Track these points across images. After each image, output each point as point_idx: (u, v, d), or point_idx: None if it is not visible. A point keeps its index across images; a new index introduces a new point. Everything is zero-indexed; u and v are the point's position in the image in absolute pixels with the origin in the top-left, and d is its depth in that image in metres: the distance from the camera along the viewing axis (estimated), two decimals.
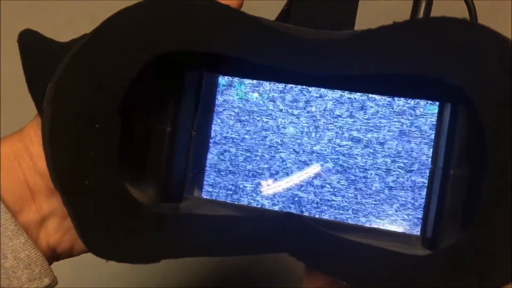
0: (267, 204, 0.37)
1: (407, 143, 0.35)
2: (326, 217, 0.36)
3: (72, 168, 0.33)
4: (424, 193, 0.35)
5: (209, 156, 0.38)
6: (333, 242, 0.33)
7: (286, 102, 0.37)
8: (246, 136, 0.37)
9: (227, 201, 0.38)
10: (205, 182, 0.38)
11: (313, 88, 0.36)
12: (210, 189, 0.38)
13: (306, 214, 0.36)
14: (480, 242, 0.31)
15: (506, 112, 0.30)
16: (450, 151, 0.34)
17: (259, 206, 0.37)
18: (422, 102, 0.35)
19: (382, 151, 0.36)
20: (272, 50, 0.32)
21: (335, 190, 0.36)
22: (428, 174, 0.35)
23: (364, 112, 0.36)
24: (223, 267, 0.69)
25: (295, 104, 0.36)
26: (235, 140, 0.37)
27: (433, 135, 0.35)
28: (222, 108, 0.38)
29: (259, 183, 0.37)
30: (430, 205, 0.35)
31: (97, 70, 0.32)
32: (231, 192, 0.38)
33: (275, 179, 0.37)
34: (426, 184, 0.35)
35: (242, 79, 0.37)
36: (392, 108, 0.35)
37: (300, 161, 0.37)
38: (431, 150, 0.35)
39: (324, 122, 0.36)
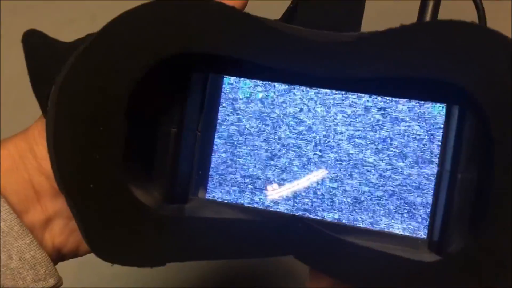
0: (272, 206, 0.37)
1: (413, 145, 0.35)
2: (331, 219, 0.36)
3: (76, 170, 0.32)
4: (430, 196, 0.35)
5: (214, 157, 0.38)
6: (339, 246, 0.33)
7: (292, 103, 0.36)
8: (251, 137, 0.37)
9: (232, 202, 0.37)
10: (209, 183, 0.38)
11: (319, 89, 0.36)
12: (214, 190, 0.38)
13: (311, 216, 0.36)
14: (490, 249, 0.30)
15: None
16: (458, 154, 0.33)
17: (263, 207, 0.37)
18: (429, 105, 0.35)
19: (388, 153, 0.35)
20: (278, 52, 0.32)
21: (341, 192, 0.36)
22: (435, 177, 0.35)
23: (371, 114, 0.35)
24: (224, 268, 0.69)
25: (300, 105, 0.36)
26: (240, 141, 0.37)
27: (441, 137, 0.35)
28: (227, 108, 0.37)
29: (264, 184, 0.37)
30: (437, 208, 0.35)
31: (102, 72, 0.32)
32: (235, 193, 0.37)
33: (280, 181, 0.37)
34: (433, 188, 0.35)
35: (247, 80, 0.37)
36: (399, 110, 0.35)
37: (305, 162, 0.36)
38: (438, 153, 0.35)
39: (329, 124, 0.36)
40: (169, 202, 0.37)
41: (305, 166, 0.36)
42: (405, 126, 0.35)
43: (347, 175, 0.36)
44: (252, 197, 0.37)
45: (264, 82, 0.37)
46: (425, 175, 0.35)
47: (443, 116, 0.35)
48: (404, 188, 0.35)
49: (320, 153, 0.36)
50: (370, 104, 0.35)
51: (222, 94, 0.37)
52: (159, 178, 0.37)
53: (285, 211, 0.37)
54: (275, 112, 0.37)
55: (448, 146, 0.35)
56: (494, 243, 0.30)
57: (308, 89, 0.36)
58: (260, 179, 0.37)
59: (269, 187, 0.37)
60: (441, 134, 0.35)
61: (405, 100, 0.35)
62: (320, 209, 0.36)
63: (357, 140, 0.36)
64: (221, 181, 0.38)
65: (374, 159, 0.36)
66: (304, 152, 0.36)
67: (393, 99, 0.35)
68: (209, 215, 0.35)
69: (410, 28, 0.31)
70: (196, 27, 0.32)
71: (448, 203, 0.34)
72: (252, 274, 0.69)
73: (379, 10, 0.50)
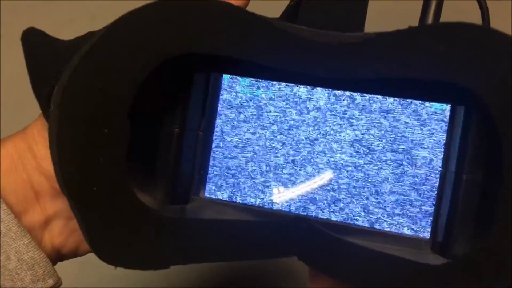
0: (273, 206, 0.37)
1: (417, 145, 0.35)
2: (333, 219, 0.36)
3: (80, 172, 0.32)
4: (434, 197, 0.35)
5: (215, 156, 0.37)
6: (341, 246, 0.33)
7: (295, 103, 0.36)
8: (252, 137, 0.37)
9: (233, 202, 0.37)
10: (211, 183, 0.38)
11: (323, 89, 0.36)
12: (216, 190, 0.37)
13: (314, 216, 0.36)
14: (497, 251, 0.30)
15: None
16: (463, 155, 0.33)
17: (265, 207, 0.37)
18: (434, 105, 0.35)
19: (391, 153, 0.35)
20: (281, 52, 0.32)
21: (344, 192, 0.36)
22: (438, 178, 0.35)
23: (374, 114, 0.35)
24: (224, 268, 0.69)
25: (303, 105, 0.36)
26: (241, 141, 0.37)
27: (445, 138, 0.35)
28: (227, 107, 0.37)
29: (266, 184, 0.37)
30: (441, 209, 0.35)
31: (106, 73, 0.32)
32: (237, 193, 0.37)
33: (282, 180, 0.37)
34: (436, 188, 0.35)
35: (248, 79, 0.37)
36: (404, 110, 0.35)
37: (307, 162, 0.36)
38: (442, 153, 0.35)
39: (332, 124, 0.36)
40: (171, 203, 0.37)
41: (307, 166, 0.36)
42: (408, 127, 0.35)
43: (349, 175, 0.36)
44: (254, 197, 0.37)
45: (265, 81, 0.36)
46: (429, 176, 0.35)
47: (448, 117, 0.35)
48: (408, 188, 0.35)
49: (322, 153, 0.36)
50: (373, 104, 0.35)
51: (222, 93, 0.37)
52: (161, 179, 0.37)
53: (287, 211, 0.37)
54: (276, 112, 0.36)
55: (453, 147, 0.34)
56: (501, 245, 0.30)
57: (311, 88, 0.36)
58: (262, 179, 0.37)
59: (271, 187, 0.37)
60: (445, 134, 0.35)
61: (409, 100, 0.35)
62: (322, 209, 0.36)
63: (359, 140, 0.36)
64: (222, 181, 0.37)
65: (377, 159, 0.35)
66: (305, 152, 0.36)
67: (397, 99, 0.35)
68: (210, 216, 0.35)
69: (417, 29, 0.31)
70: (198, 27, 0.32)
71: (452, 204, 0.34)
72: (252, 274, 0.69)
73: (381, 10, 0.50)
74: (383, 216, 0.35)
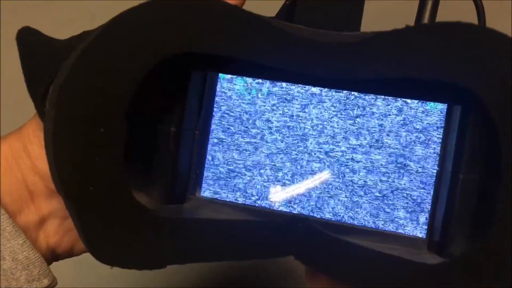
0: (271, 205, 0.37)
1: (414, 144, 0.35)
2: (331, 219, 0.36)
3: (76, 172, 0.32)
4: (431, 196, 0.35)
5: (212, 155, 0.37)
6: (339, 246, 0.33)
7: (292, 102, 0.36)
8: (248, 136, 0.37)
9: (230, 201, 0.37)
10: (208, 182, 0.38)
11: (320, 88, 0.36)
12: (212, 189, 0.37)
13: (311, 215, 0.36)
14: (495, 250, 0.30)
15: None
16: (460, 155, 0.33)
17: (263, 206, 0.37)
18: (431, 104, 0.35)
19: (388, 152, 0.35)
20: (280, 52, 0.32)
21: (341, 191, 0.36)
22: (435, 178, 0.35)
23: (372, 113, 0.35)
24: (224, 268, 0.69)
25: (300, 104, 0.36)
26: (237, 140, 0.37)
27: (441, 137, 0.35)
28: (224, 106, 0.37)
29: (263, 183, 0.37)
30: (437, 209, 0.35)
31: (103, 72, 0.32)
32: (233, 192, 0.37)
33: (280, 180, 0.37)
34: (433, 187, 0.35)
35: (245, 78, 0.37)
36: (400, 110, 0.35)
37: (305, 161, 0.36)
38: (438, 153, 0.35)
39: (330, 123, 0.36)
40: (168, 202, 0.37)
41: (304, 166, 0.36)
42: (406, 126, 0.35)
43: (347, 174, 0.36)
44: (251, 196, 0.37)
45: (263, 80, 0.36)
46: (426, 175, 0.35)
47: (444, 116, 0.35)
48: (404, 187, 0.35)
49: (319, 153, 0.36)
50: (371, 103, 0.35)
51: (220, 92, 0.37)
52: (157, 178, 0.36)
53: (285, 211, 0.36)
54: (273, 111, 0.36)
55: (449, 146, 0.34)
56: (500, 244, 0.30)
57: (309, 88, 0.36)
58: (259, 178, 0.37)
59: (268, 187, 0.37)
60: (441, 134, 0.35)
61: (406, 99, 0.35)
62: (320, 209, 0.36)
63: (357, 140, 0.35)
64: (219, 180, 0.37)
65: (374, 159, 0.35)
66: (303, 152, 0.36)
67: (394, 98, 0.35)
68: (207, 215, 0.35)
69: (415, 29, 0.31)
70: (197, 26, 0.32)
71: (449, 203, 0.34)
72: (252, 274, 0.69)
73: (378, 10, 0.50)
74: (380, 216, 0.35)
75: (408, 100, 0.35)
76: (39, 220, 0.36)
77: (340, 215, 0.36)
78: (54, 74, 0.33)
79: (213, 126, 0.37)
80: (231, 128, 0.37)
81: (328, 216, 0.36)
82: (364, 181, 0.35)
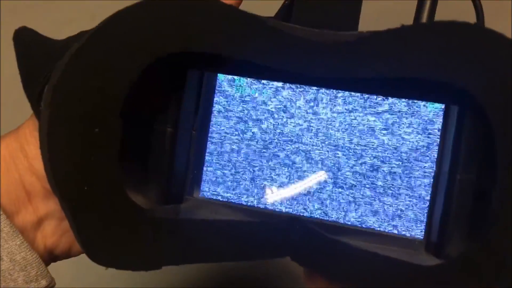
0: (268, 206, 0.37)
1: (411, 145, 0.35)
2: (328, 219, 0.36)
3: (71, 173, 0.32)
4: (428, 197, 0.35)
5: (209, 156, 0.37)
6: (336, 247, 0.33)
7: (290, 102, 0.36)
8: (246, 136, 0.37)
9: (228, 202, 0.37)
10: (205, 183, 0.37)
11: (317, 88, 0.36)
12: (209, 190, 0.37)
13: (308, 216, 0.36)
14: (493, 250, 0.30)
15: None
16: (457, 155, 0.33)
17: (260, 207, 0.37)
18: (428, 104, 0.34)
19: (385, 153, 0.35)
20: (278, 52, 0.32)
21: (338, 192, 0.36)
22: (432, 178, 0.35)
23: (369, 113, 0.35)
24: (223, 268, 0.69)
25: (298, 104, 0.36)
26: (235, 140, 0.37)
27: (438, 138, 0.34)
28: (222, 106, 0.37)
29: (261, 184, 0.37)
30: (435, 209, 0.35)
31: (97, 71, 0.32)
32: (231, 193, 0.37)
33: (277, 181, 0.36)
34: (430, 188, 0.35)
35: (243, 78, 0.37)
36: (397, 110, 0.35)
37: (302, 162, 0.36)
38: (436, 153, 0.35)
39: (327, 123, 0.36)
40: (164, 203, 0.36)
41: (302, 166, 0.36)
42: (402, 126, 0.35)
43: (344, 175, 0.36)
44: (248, 196, 0.37)
45: (261, 80, 0.36)
46: (423, 176, 0.35)
47: (441, 116, 0.34)
48: (401, 188, 0.35)
49: (317, 153, 0.36)
50: (367, 103, 0.35)
51: (217, 92, 0.37)
52: (154, 178, 0.36)
53: (282, 211, 0.36)
54: (272, 111, 0.36)
55: (446, 147, 0.34)
56: (498, 244, 0.30)
57: (306, 88, 0.36)
58: (256, 179, 0.37)
59: (265, 187, 0.37)
60: (438, 134, 0.35)
61: (403, 99, 0.35)
62: (317, 210, 0.36)
63: (354, 140, 0.35)
64: (216, 181, 0.37)
65: (371, 159, 0.35)
66: (301, 152, 0.36)
67: (391, 98, 0.35)
68: (204, 216, 0.35)
69: (411, 28, 0.31)
70: (194, 25, 0.32)
71: (446, 204, 0.34)
72: (251, 274, 0.69)
73: (377, 9, 0.49)
74: (377, 217, 0.35)
75: (405, 100, 0.35)
76: (37, 220, 0.36)
77: (337, 216, 0.36)
78: (50, 74, 0.33)
79: (211, 126, 0.37)
80: (229, 128, 0.37)
81: (324, 217, 0.36)
82: (361, 182, 0.35)
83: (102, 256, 0.33)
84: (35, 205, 0.35)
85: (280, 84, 0.36)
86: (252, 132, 0.37)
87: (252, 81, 0.36)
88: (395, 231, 0.35)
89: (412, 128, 0.35)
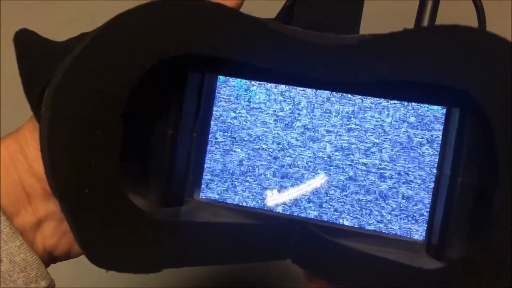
0: (268, 208, 0.36)
1: (412, 148, 0.35)
2: (329, 222, 0.36)
3: (71, 175, 0.32)
4: (429, 200, 0.35)
5: (210, 158, 0.37)
6: (338, 250, 0.33)
7: (290, 104, 0.36)
8: (247, 138, 0.37)
9: (228, 204, 0.37)
10: (205, 185, 0.37)
11: (318, 91, 0.35)
12: (210, 192, 0.37)
13: (308, 218, 0.36)
14: (493, 252, 0.30)
15: None
16: (458, 158, 0.33)
17: (260, 209, 0.37)
18: (430, 107, 0.34)
19: (386, 155, 0.35)
20: (278, 54, 0.32)
21: (339, 195, 0.36)
22: (433, 181, 0.35)
23: (370, 116, 0.35)
24: (223, 268, 0.69)
25: (298, 106, 0.36)
26: (236, 142, 0.37)
27: (440, 141, 0.34)
28: (222, 109, 0.37)
29: (261, 186, 0.37)
30: (436, 212, 0.35)
31: (99, 74, 0.32)
32: (231, 195, 0.37)
33: (278, 182, 0.36)
34: (431, 191, 0.35)
35: (243, 80, 0.36)
36: (398, 113, 0.35)
37: (303, 164, 0.36)
38: (437, 156, 0.34)
39: (328, 126, 0.36)
40: (165, 205, 0.36)
41: (303, 168, 0.36)
42: (404, 129, 0.35)
43: (345, 177, 0.35)
44: (248, 199, 0.37)
45: (261, 83, 0.36)
46: (424, 179, 0.35)
47: (443, 119, 0.34)
48: (403, 191, 0.35)
49: (318, 156, 0.36)
50: (369, 106, 0.35)
51: (217, 94, 0.37)
52: (154, 181, 0.36)
53: (282, 213, 0.36)
54: (272, 113, 0.36)
55: (448, 149, 0.34)
56: (497, 245, 0.30)
57: (307, 90, 0.36)
58: (256, 181, 0.37)
59: (266, 189, 0.37)
60: (440, 137, 0.34)
61: (404, 102, 0.35)
62: (318, 212, 0.36)
63: (355, 142, 0.35)
64: (217, 183, 0.37)
65: (372, 162, 0.35)
66: (302, 154, 0.36)
67: (393, 101, 0.35)
68: (205, 218, 0.35)
69: (412, 32, 0.31)
70: (195, 28, 0.32)
71: (447, 206, 0.34)
72: (251, 275, 0.69)
73: (378, 10, 0.49)
74: (378, 219, 0.35)
75: (407, 103, 0.35)
76: (36, 222, 0.35)
77: (337, 219, 0.36)
78: (50, 76, 0.33)
79: (211, 129, 0.37)
80: (229, 130, 0.37)
81: (325, 219, 0.36)
82: (362, 184, 0.35)
83: (102, 258, 0.33)
84: (35, 206, 0.35)
85: (282, 86, 0.36)
86: (252, 135, 0.36)
87: (253, 83, 0.36)
88: (396, 234, 0.35)
89: (413, 131, 0.35)
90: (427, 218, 0.35)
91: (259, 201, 0.37)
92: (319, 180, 0.36)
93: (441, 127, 0.34)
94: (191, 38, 0.32)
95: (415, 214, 0.35)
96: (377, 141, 0.35)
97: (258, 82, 0.36)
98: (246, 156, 0.37)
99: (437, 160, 0.35)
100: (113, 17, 0.32)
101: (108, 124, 0.32)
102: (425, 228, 0.35)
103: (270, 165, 0.36)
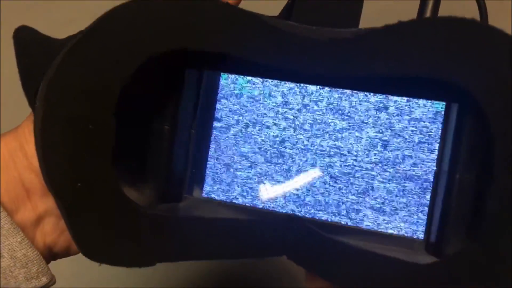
0: (267, 205, 0.37)
1: (411, 144, 0.35)
2: (326, 219, 0.36)
3: (65, 170, 0.32)
4: (428, 197, 0.35)
5: (208, 155, 0.37)
6: (335, 248, 0.32)
7: (289, 101, 0.36)
8: (247, 136, 0.37)
9: (227, 201, 0.37)
10: (204, 182, 0.37)
11: (316, 86, 0.36)
12: (209, 189, 0.37)
13: (307, 215, 0.36)
14: (489, 248, 0.30)
15: None
16: (457, 154, 0.33)
17: (258, 206, 0.37)
18: (429, 103, 0.34)
19: (384, 152, 0.35)
20: (275, 50, 0.32)
21: (337, 192, 0.36)
22: (433, 178, 0.35)
23: (368, 111, 0.35)
24: (221, 268, 0.69)
25: (297, 103, 0.36)
26: (236, 140, 0.37)
27: (439, 137, 0.34)
28: (224, 106, 0.37)
29: (260, 183, 0.37)
30: (434, 209, 0.35)
31: (92, 68, 0.32)
32: (230, 192, 0.37)
33: (276, 180, 0.36)
34: (430, 188, 0.35)
35: (244, 77, 0.36)
36: (396, 108, 0.35)
37: (302, 161, 0.36)
38: (436, 152, 0.34)
39: (327, 122, 0.36)
40: (163, 201, 0.36)
41: (302, 165, 0.36)
42: (402, 125, 0.35)
43: (343, 174, 0.35)
44: (247, 196, 0.37)
45: (261, 80, 0.36)
46: (423, 175, 0.35)
47: (442, 115, 0.34)
48: (401, 188, 0.35)
49: (317, 152, 0.36)
50: (367, 102, 0.35)
51: (219, 91, 0.37)
52: (152, 177, 0.36)
53: (280, 210, 0.36)
54: (272, 110, 0.36)
55: (447, 145, 0.34)
56: (493, 242, 0.30)
57: (305, 86, 0.36)
58: (256, 178, 0.37)
59: (265, 186, 0.37)
60: (439, 133, 0.34)
61: (403, 98, 0.35)
62: (316, 209, 0.36)
63: (353, 139, 0.35)
64: (216, 180, 0.37)
65: (370, 158, 0.35)
66: (301, 151, 0.36)
67: (391, 96, 0.35)
68: (203, 214, 0.35)
69: (408, 24, 0.31)
70: (192, 24, 0.32)
71: (445, 203, 0.34)
72: (251, 274, 0.69)
73: (378, 10, 0.50)
74: (376, 216, 0.35)
75: (406, 99, 0.35)
76: (36, 218, 0.36)
77: (335, 216, 0.36)
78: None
79: (213, 126, 0.37)
80: (229, 128, 0.37)
81: (323, 216, 0.36)
82: (361, 181, 0.35)
83: (96, 252, 0.33)
84: (34, 202, 0.35)
85: (281, 83, 0.36)
86: (252, 132, 0.37)
87: (251, 80, 0.36)
88: (395, 231, 0.35)
89: (412, 127, 0.35)
90: (426, 215, 0.35)
91: (258, 198, 0.37)
92: (317, 178, 0.36)
93: (440, 123, 0.34)
94: (187, 34, 0.32)
95: (414, 212, 0.35)
96: (375, 138, 0.35)
97: (258, 78, 0.36)
98: (245, 153, 0.37)
99: (436, 156, 0.34)
100: (106, 12, 0.32)
101: (100, 119, 0.32)
102: (424, 226, 0.35)
103: (269, 162, 0.36)
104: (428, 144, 0.35)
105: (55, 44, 0.34)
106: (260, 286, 0.69)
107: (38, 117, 0.32)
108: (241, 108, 0.37)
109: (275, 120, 0.36)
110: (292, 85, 0.36)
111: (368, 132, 0.35)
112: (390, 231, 0.35)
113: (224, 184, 0.37)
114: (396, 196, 0.35)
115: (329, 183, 0.36)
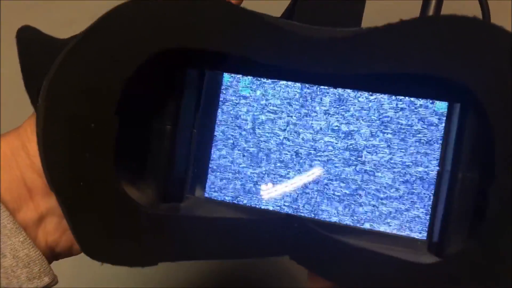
0: (268, 205, 0.36)
1: (413, 143, 0.35)
2: (328, 219, 0.36)
3: (66, 168, 0.32)
4: (430, 196, 0.35)
5: (210, 155, 0.37)
6: (336, 247, 0.32)
7: (290, 101, 0.36)
8: (249, 135, 0.37)
9: (228, 201, 0.37)
10: (205, 182, 0.37)
11: (318, 86, 0.36)
12: (210, 189, 0.37)
13: (308, 215, 0.36)
14: (489, 248, 0.30)
15: None
16: (459, 153, 0.33)
17: (260, 206, 0.37)
18: (432, 102, 0.34)
19: (387, 151, 0.35)
20: (275, 49, 0.32)
21: (338, 191, 0.36)
22: (435, 177, 0.35)
23: (370, 111, 0.35)
24: (222, 268, 0.69)
25: (299, 102, 0.36)
26: (238, 139, 0.37)
27: (442, 136, 0.34)
28: (226, 106, 0.37)
29: (261, 183, 0.37)
30: (437, 209, 0.35)
31: (93, 67, 0.32)
32: (231, 192, 0.37)
33: (277, 179, 0.36)
34: (433, 187, 0.35)
35: (246, 77, 0.36)
36: (399, 108, 0.35)
37: (304, 161, 0.36)
38: (439, 152, 0.34)
39: (328, 121, 0.36)
40: (164, 201, 0.36)
41: (304, 165, 0.36)
42: (405, 124, 0.35)
43: (345, 174, 0.35)
44: (248, 196, 0.37)
45: (263, 79, 0.36)
46: (426, 175, 0.35)
47: (445, 114, 0.34)
48: (404, 187, 0.35)
49: (318, 152, 0.36)
50: (369, 101, 0.35)
51: (221, 91, 0.37)
52: (153, 176, 0.36)
53: (282, 210, 0.36)
54: (274, 110, 0.36)
55: (449, 145, 0.34)
56: (494, 242, 0.30)
57: (306, 86, 0.36)
58: (257, 178, 0.37)
59: (266, 186, 0.37)
60: (442, 132, 0.34)
61: (405, 97, 0.35)
62: (317, 209, 0.36)
63: (355, 138, 0.35)
64: (217, 180, 0.37)
65: (373, 158, 0.35)
66: (302, 151, 0.36)
67: (393, 96, 0.35)
68: (204, 214, 0.35)
69: (409, 23, 0.31)
70: (193, 23, 0.32)
71: (448, 203, 0.34)
72: (251, 274, 0.69)
73: (380, 10, 0.50)
74: (378, 216, 0.35)
75: (408, 98, 0.35)
76: (38, 217, 0.35)
77: (337, 215, 0.36)
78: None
79: (215, 125, 0.37)
80: (230, 127, 0.37)
81: (324, 216, 0.36)
82: (362, 181, 0.35)
83: (97, 251, 0.33)
84: (36, 202, 0.35)
85: (284, 82, 0.36)
86: (253, 132, 0.36)
87: (253, 80, 0.36)
88: (398, 231, 0.35)
89: (415, 126, 0.35)
90: (429, 215, 0.35)
91: (259, 198, 0.37)
92: (319, 178, 0.36)
93: (443, 122, 0.34)
94: (188, 33, 0.32)
95: (416, 211, 0.35)
96: (378, 137, 0.35)
97: (259, 78, 0.36)
98: (247, 153, 0.37)
99: (439, 155, 0.34)
100: (107, 11, 0.32)
101: (102, 118, 0.32)
102: (427, 225, 0.35)
103: (271, 162, 0.36)
104: (430, 144, 0.35)
105: (58, 44, 0.34)
106: (260, 286, 0.69)
107: (40, 116, 0.32)
108: (242, 107, 0.37)
109: (276, 120, 0.36)
110: (294, 84, 0.36)
111: (370, 132, 0.35)
112: (392, 231, 0.35)
113: (225, 184, 0.37)
114: (399, 196, 0.35)
115: (330, 183, 0.36)
